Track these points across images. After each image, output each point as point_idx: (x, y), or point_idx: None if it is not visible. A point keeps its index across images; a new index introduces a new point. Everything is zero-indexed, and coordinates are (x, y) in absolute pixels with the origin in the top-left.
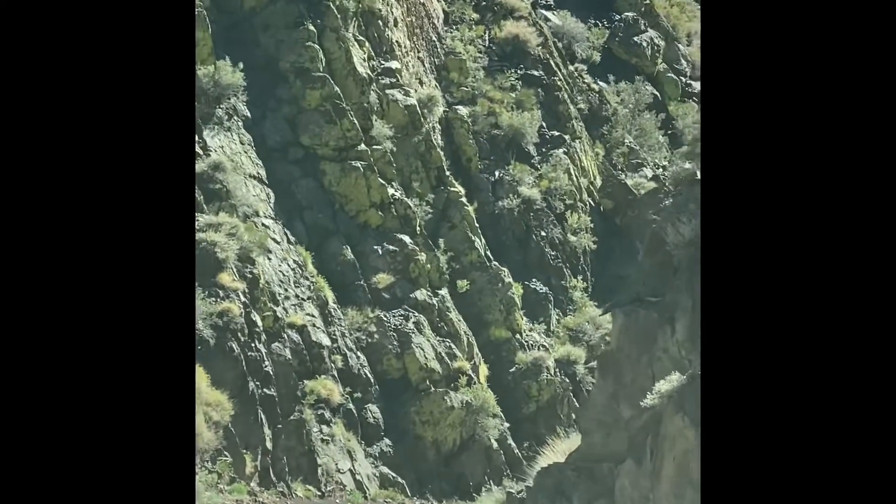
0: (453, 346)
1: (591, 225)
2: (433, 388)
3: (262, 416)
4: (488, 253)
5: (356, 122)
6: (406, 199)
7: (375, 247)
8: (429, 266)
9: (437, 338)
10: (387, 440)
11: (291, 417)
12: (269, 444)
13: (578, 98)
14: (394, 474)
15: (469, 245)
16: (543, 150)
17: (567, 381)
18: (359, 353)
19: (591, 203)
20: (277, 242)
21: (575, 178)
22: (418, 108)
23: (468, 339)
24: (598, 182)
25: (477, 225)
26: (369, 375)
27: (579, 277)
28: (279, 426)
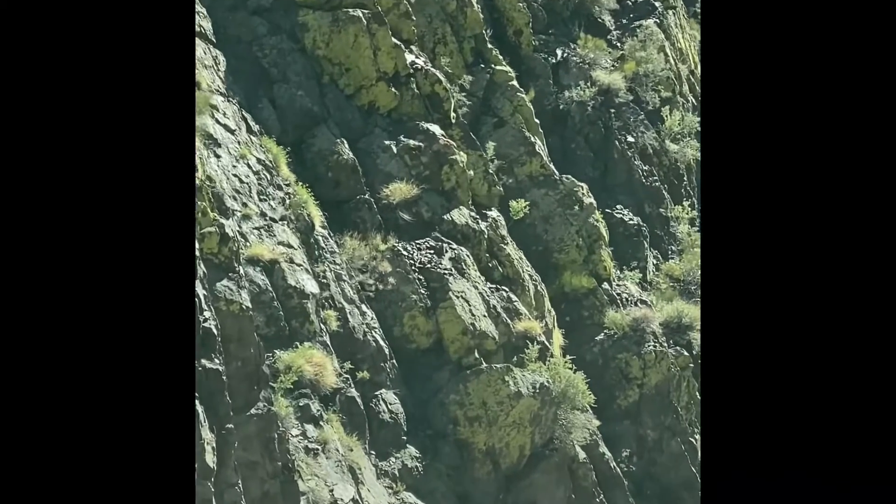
0: (513, 296)
1: (699, 128)
2: (485, 364)
3: (201, 410)
4: (552, 165)
5: None
6: (433, 69)
7: (387, 142)
8: (472, 172)
9: (489, 284)
10: (412, 449)
11: (253, 411)
12: (210, 459)
13: None
14: None
15: (527, 150)
16: (625, 21)
17: (686, 353)
18: (365, 308)
19: (694, 101)
20: (231, 132)
21: (673, 63)
22: None
23: (536, 286)
24: (700, 72)
25: (537, 121)
26: (382, 343)
27: (685, 203)
28: (230, 426)
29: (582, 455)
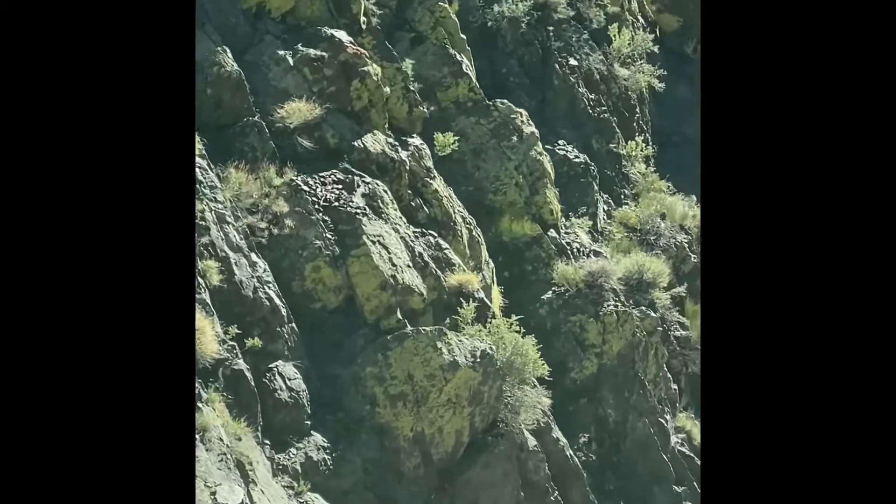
0: (443, 242)
1: (656, 48)
2: (410, 328)
3: None
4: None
5: None
6: None
7: (282, 51)
8: (389, 89)
9: (412, 228)
10: (318, 437)
11: None
12: None
13: None
14: None
15: (451, 71)
16: None
17: (653, 315)
18: (255, 257)
19: (644, 21)
20: None
21: None
22: None
23: (471, 231)
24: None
25: (463, 36)
26: (278, 302)
27: (639, 138)
28: None
29: (532, 442)
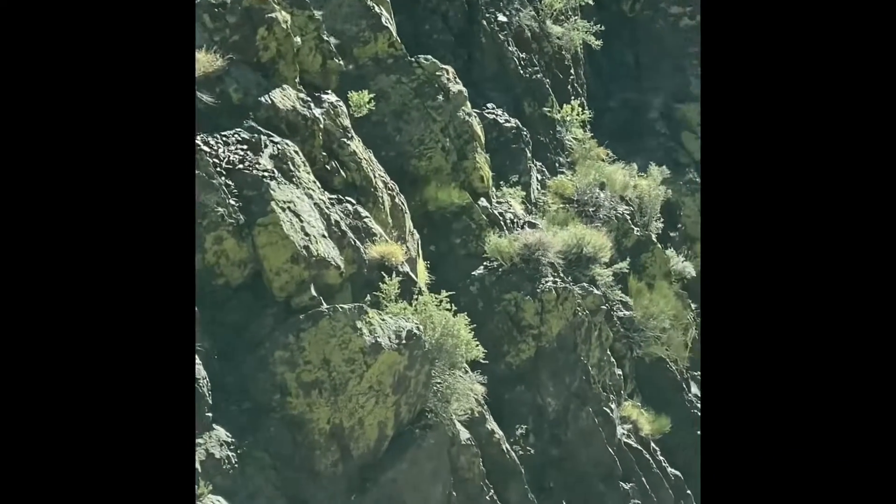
0: (362, 210)
1: (590, 0)
2: (325, 306)
3: None
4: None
5: None
6: None
7: None
8: (300, 39)
9: (328, 194)
10: (220, 431)
11: None
12: None
13: None
14: None
15: (369, 24)
16: None
17: (596, 292)
18: None
19: None
20: None
21: None
22: None
23: (394, 198)
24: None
25: None
26: None
27: (574, 102)
28: None
29: (464, 434)
